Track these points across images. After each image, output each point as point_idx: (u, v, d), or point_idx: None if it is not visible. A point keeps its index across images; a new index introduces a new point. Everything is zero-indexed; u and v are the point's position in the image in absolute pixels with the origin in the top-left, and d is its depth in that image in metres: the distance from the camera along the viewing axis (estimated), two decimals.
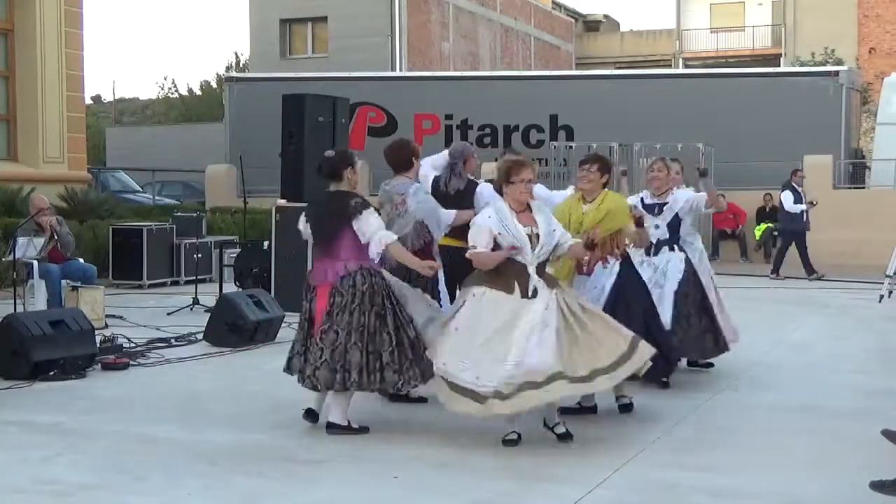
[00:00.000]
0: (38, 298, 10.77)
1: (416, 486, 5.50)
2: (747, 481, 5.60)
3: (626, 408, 6.98)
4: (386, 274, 6.55)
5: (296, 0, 33.98)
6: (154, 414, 7.12)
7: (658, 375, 7.37)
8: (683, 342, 7.86)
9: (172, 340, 10.05)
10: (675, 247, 8.23)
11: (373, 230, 6.39)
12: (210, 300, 11.40)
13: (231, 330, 9.86)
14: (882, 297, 12.03)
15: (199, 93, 46.94)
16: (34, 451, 6.11)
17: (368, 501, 5.30)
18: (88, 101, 32.88)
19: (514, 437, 6.20)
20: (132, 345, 9.60)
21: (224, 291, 11.28)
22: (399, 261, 6.54)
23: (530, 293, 6.15)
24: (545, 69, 39.10)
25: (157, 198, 26.38)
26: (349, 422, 6.51)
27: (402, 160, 7.33)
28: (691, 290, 8.05)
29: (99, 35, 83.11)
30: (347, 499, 5.32)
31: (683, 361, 8.29)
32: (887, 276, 11.83)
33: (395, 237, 6.52)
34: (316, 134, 12.53)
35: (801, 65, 34.73)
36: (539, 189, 7.98)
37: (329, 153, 6.87)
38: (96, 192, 21.62)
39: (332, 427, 6.48)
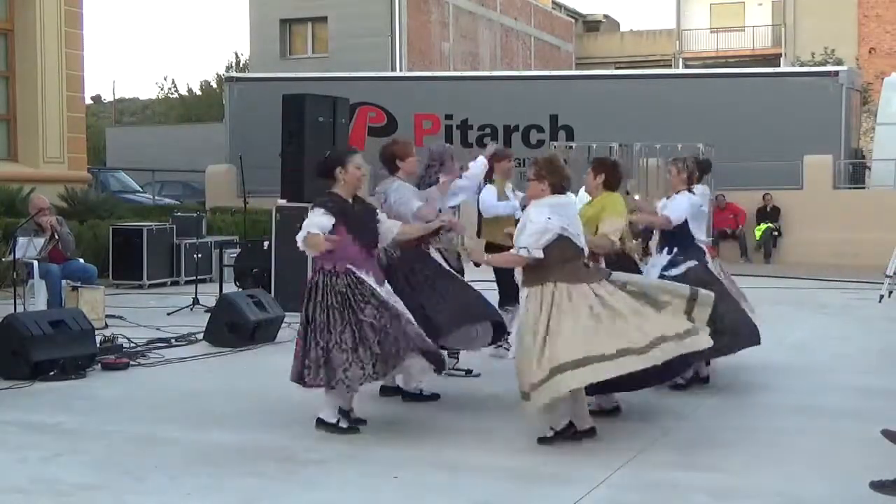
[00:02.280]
0: (38, 298, 10.77)
1: (416, 486, 5.50)
2: (747, 481, 5.60)
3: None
4: (361, 278, 6.44)
5: (296, 0, 33.98)
6: (154, 414, 7.12)
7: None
8: None
9: (172, 340, 10.05)
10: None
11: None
12: (210, 300, 11.40)
13: (231, 330, 9.86)
14: (882, 297, 12.04)
15: (199, 93, 46.95)
16: (34, 451, 6.10)
17: (368, 501, 5.30)
18: (88, 101, 32.89)
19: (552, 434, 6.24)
20: (132, 345, 9.60)
21: (224, 291, 11.28)
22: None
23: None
24: (545, 69, 39.08)
25: (157, 198, 26.39)
26: (338, 420, 6.51)
27: (385, 161, 7.44)
28: None
29: (99, 35, 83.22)
30: (347, 499, 5.32)
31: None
32: (887, 276, 11.85)
33: (313, 225, 6.44)
34: (316, 134, 12.52)
35: (801, 65, 34.73)
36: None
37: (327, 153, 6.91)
38: (96, 192, 21.63)
39: (320, 423, 6.52)
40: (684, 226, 7.96)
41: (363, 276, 6.43)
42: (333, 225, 6.43)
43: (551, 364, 5.94)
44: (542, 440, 6.22)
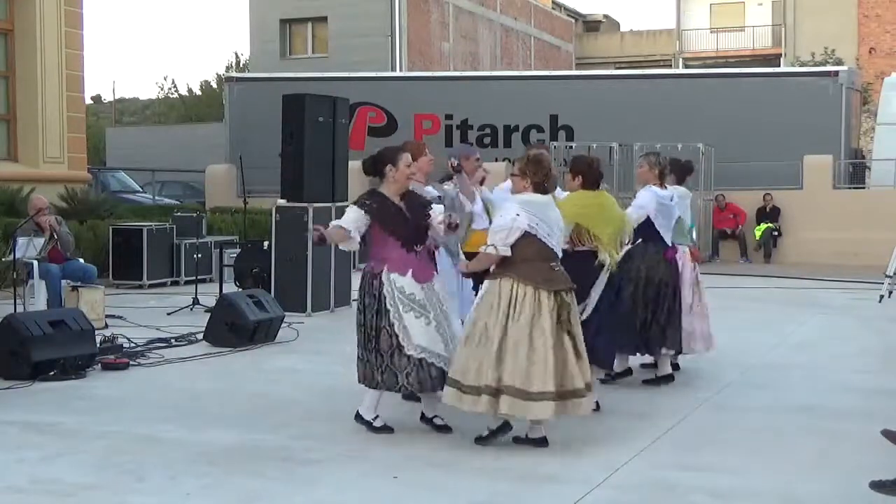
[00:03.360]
0: (38, 298, 10.77)
1: (416, 486, 5.50)
2: (747, 481, 5.60)
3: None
4: (396, 281, 6.39)
5: (296, 0, 33.98)
6: (154, 414, 7.12)
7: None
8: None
9: (172, 340, 10.04)
10: None
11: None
12: (210, 300, 11.39)
13: (231, 330, 9.85)
14: (882, 297, 12.03)
15: (199, 93, 46.93)
16: (34, 451, 6.10)
17: (368, 501, 5.30)
18: (88, 101, 32.85)
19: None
20: (132, 345, 9.60)
21: (224, 291, 11.28)
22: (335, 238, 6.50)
23: None
24: (545, 69, 39.09)
25: (157, 198, 26.37)
26: (374, 419, 6.55)
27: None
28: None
29: (99, 35, 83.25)
30: (347, 499, 5.32)
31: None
32: (887, 276, 11.83)
33: (340, 222, 6.47)
34: (316, 134, 12.53)
35: (801, 65, 34.73)
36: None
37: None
38: (96, 192, 21.62)
39: (357, 416, 6.59)
40: (647, 222, 7.90)
41: (400, 278, 6.39)
42: (369, 224, 6.45)
43: (497, 382, 5.99)
44: (479, 440, 6.23)
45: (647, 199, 7.94)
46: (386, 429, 6.53)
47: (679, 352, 8.20)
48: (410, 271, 6.43)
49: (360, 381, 6.55)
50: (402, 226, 6.47)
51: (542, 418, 6.11)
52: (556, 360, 6.02)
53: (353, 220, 6.45)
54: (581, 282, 6.72)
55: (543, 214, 6.22)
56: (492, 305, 6.14)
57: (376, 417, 6.56)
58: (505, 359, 6.03)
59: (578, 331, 6.25)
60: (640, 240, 7.98)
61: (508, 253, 6.14)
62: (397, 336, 6.32)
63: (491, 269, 6.33)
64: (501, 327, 6.07)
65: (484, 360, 6.06)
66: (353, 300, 6.49)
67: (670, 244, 8.10)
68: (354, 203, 6.54)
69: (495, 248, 6.18)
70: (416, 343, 6.31)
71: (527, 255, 6.15)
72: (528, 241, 6.15)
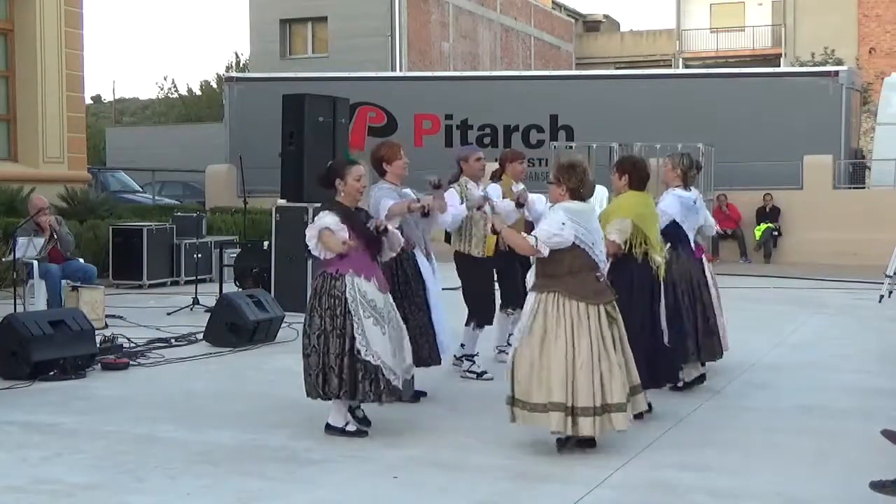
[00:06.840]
0: (38, 298, 10.77)
1: (416, 486, 5.50)
2: (747, 481, 5.60)
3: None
4: (360, 285, 6.34)
5: (296, 0, 33.98)
6: (154, 414, 7.12)
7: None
8: None
9: (172, 340, 10.05)
10: None
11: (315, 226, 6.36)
12: (210, 300, 11.39)
13: (231, 330, 9.86)
14: (882, 297, 12.03)
15: (199, 93, 46.92)
16: (34, 451, 6.10)
17: (368, 501, 5.30)
18: (88, 101, 32.85)
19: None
20: (132, 345, 9.60)
21: (224, 291, 11.28)
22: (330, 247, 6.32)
23: None
24: (545, 69, 39.08)
25: (157, 198, 26.37)
26: (346, 423, 6.49)
27: (373, 165, 7.33)
28: None
29: (99, 35, 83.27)
30: (347, 499, 5.32)
31: None
32: (887, 276, 11.82)
33: (326, 224, 6.31)
34: (316, 134, 12.53)
35: (801, 65, 34.72)
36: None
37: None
38: (96, 192, 21.62)
39: (328, 428, 6.50)
40: (676, 226, 7.78)
41: (364, 283, 6.37)
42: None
43: (549, 398, 5.92)
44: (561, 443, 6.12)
45: (669, 204, 7.78)
46: (360, 433, 6.46)
47: (716, 359, 8.19)
48: (374, 278, 6.42)
49: (313, 396, 6.40)
50: (369, 233, 6.44)
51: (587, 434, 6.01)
52: (598, 374, 5.97)
53: (334, 224, 6.33)
54: (644, 289, 6.81)
55: (587, 223, 6.13)
56: (539, 318, 6.04)
57: (348, 423, 6.48)
58: (578, 377, 5.94)
59: (626, 343, 6.18)
60: (668, 244, 7.79)
61: (545, 253, 6.02)
62: (354, 339, 6.24)
63: (536, 282, 6.23)
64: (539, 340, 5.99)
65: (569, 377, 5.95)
66: None
67: (693, 247, 8.02)
68: (322, 209, 6.42)
69: (537, 242, 6.04)
70: (374, 350, 6.26)
71: (574, 268, 6.05)
72: (575, 253, 6.05)
